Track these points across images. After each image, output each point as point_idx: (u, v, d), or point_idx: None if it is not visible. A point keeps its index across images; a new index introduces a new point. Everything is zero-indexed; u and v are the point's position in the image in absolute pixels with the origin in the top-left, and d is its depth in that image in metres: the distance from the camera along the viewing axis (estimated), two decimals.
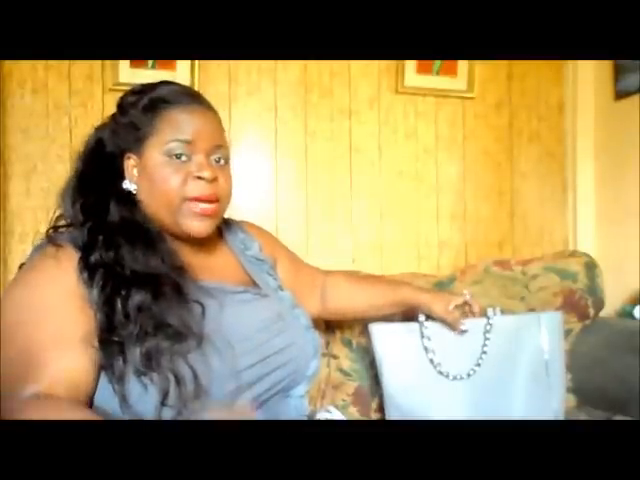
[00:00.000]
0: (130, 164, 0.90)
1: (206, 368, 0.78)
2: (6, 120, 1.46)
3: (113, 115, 0.94)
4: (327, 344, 1.39)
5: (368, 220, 1.70)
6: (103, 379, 0.77)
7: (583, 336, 1.46)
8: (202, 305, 0.82)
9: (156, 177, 0.87)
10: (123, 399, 0.75)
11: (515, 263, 1.52)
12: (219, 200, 0.90)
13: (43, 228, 0.90)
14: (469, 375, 1.17)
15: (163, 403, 0.75)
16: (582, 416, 1.34)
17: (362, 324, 1.35)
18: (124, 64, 1.50)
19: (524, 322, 1.18)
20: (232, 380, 0.82)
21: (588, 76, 1.78)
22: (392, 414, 1.24)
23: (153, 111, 0.88)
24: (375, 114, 1.70)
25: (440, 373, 1.19)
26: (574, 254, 1.57)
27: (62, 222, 0.88)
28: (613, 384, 1.32)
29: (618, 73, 1.66)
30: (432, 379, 1.19)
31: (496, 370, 1.16)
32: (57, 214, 0.89)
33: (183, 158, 0.87)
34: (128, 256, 0.81)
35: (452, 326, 1.17)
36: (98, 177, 0.89)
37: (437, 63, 1.69)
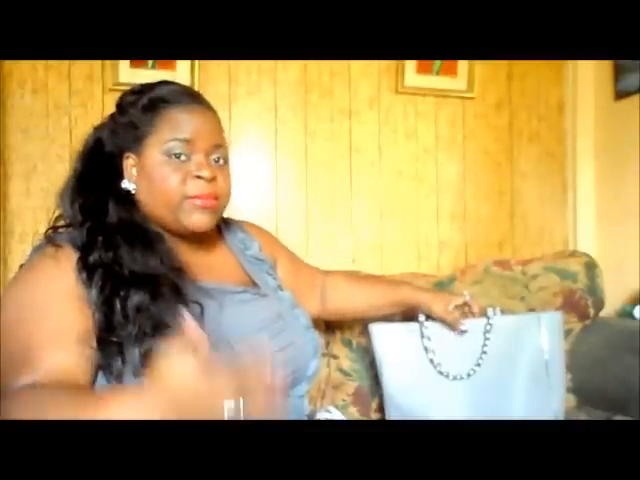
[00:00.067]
0: (129, 163, 0.90)
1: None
2: (6, 120, 1.46)
3: (112, 115, 0.94)
4: (327, 344, 1.39)
5: (368, 220, 1.70)
6: (101, 379, 0.77)
7: (583, 336, 1.46)
8: (201, 305, 0.82)
9: (155, 176, 0.87)
10: None
11: (515, 263, 1.52)
12: (218, 199, 0.90)
13: (43, 228, 0.90)
14: (469, 375, 1.17)
15: None
16: (582, 416, 1.34)
17: (362, 324, 1.35)
18: (124, 64, 1.50)
19: (524, 322, 1.18)
20: None
21: (588, 76, 1.78)
22: (392, 414, 1.24)
23: (152, 110, 0.88)
24: (375, 114, 1.70)
25: (440, 373, 1.19)
26: (574, 254, 1.57)
27: (61, 222, 0.88)
28: (613, 384, 1.32)
29: (618, 73, 1.66)
30: (432, 379, 1.19)
31: (496, 370, 1.16)
32: (56, 214, 0.89)
33: (182, 157, 0.88)
34: (127, 256, 0.81)
35: (452, 326, 1.17)
36: (97, 177, 0.89)
37: (437, 63, 1.69)
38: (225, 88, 1.60)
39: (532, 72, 1.80)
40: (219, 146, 0.92)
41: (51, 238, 0.84)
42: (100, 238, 0.82)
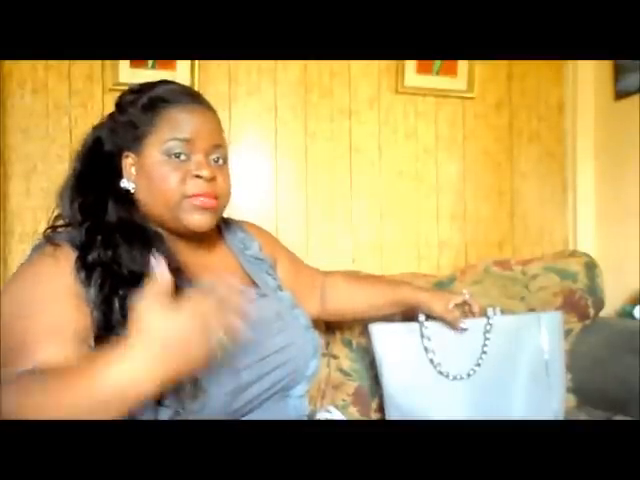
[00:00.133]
0: (128, 163, 0.90)
1: (204, 368, 0.77)
2: (6, 120, 1.46)
3: (111, 114, 0.94)
4: (327, 344, 1.39)
5: (368, 220, 1.70)
6: None
7: (583, 336, 1.46)
8: None
9: (155, 176, 0.87)
10: None
11: (515, 263, 1.52)
12: (217, 198, 0.90)
13: (43, 228, 0.90)
14: (469, 375, 1.17)
15: (160, 403, 0.74)
16: (582, 416, 1.34)
17: (362, 324, 1.35)
18: (124, 64, 1.50)
19: (524, 322, 1.17)
20: (231, 379, 0.82)
21: (588, 76, 1.78)
22: (392, 414, 1.24)
23: (152, 110, 0.88)
24: (375, 114, 1.70)
25: (440, 373, 1.19)
26: (574, 254, 1.57)
27: (60, 222, 0.88)
28: (613, 384, 1.32)
29: (618, 73, 1.66)
30: (432, 379, 1.19)
31: (496, 370, 1.16)
32: (55, 214, 0.89)
33: (182, 157, 0.88)
34: (126, 256, 0.81)
35: (452, 325, 1.17)
36: (96, 176, 0.89)
37: (437, 63, 1.69)
38: (225, 88, 1.60)
39: (532, 72, 1.80)
40: (219, 146, 0.92)
41: (50, 237, 0.84)
42: (99, 237, 0.82)
